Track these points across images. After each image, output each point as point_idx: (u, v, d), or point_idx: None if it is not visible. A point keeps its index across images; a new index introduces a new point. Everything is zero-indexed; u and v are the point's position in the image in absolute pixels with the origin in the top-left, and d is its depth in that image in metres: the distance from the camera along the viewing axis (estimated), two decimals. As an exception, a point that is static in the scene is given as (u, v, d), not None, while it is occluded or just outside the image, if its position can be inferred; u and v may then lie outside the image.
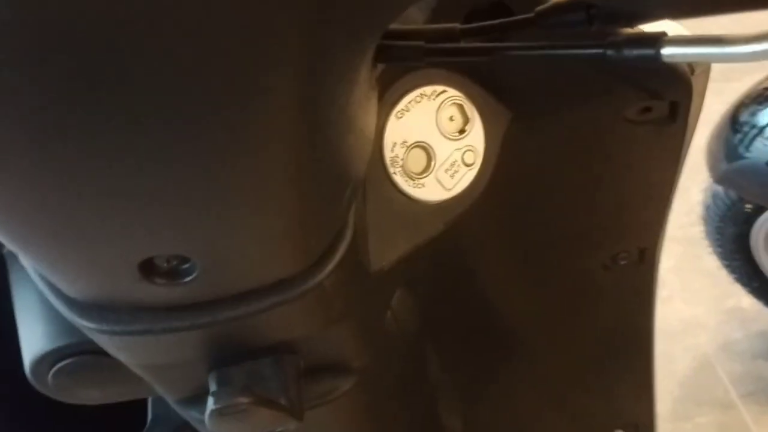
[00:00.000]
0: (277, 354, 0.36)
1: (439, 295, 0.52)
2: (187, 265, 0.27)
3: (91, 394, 0.41)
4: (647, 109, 0.43)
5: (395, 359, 0.50)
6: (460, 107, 0.40)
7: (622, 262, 0.53)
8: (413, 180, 0.39)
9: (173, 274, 0.27)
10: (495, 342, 0.57)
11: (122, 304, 0.29)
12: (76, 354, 0.39)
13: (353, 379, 0.42)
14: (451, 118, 0.40)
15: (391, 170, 0.38)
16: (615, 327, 0.59)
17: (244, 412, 0.33)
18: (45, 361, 0.39)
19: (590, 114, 0.44)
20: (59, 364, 0.39)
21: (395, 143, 0.38)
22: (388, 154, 0.38)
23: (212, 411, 0.33)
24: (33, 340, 0.39)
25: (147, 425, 0.50)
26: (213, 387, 0.34)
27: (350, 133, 0.28)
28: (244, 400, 0.33)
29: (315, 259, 0.31)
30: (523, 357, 0.59)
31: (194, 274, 0.27)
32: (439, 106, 0.39)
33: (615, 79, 0.42)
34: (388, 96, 0.38)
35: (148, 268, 0.26)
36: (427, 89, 0.39)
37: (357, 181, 0.32)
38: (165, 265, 0.27)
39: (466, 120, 0.40)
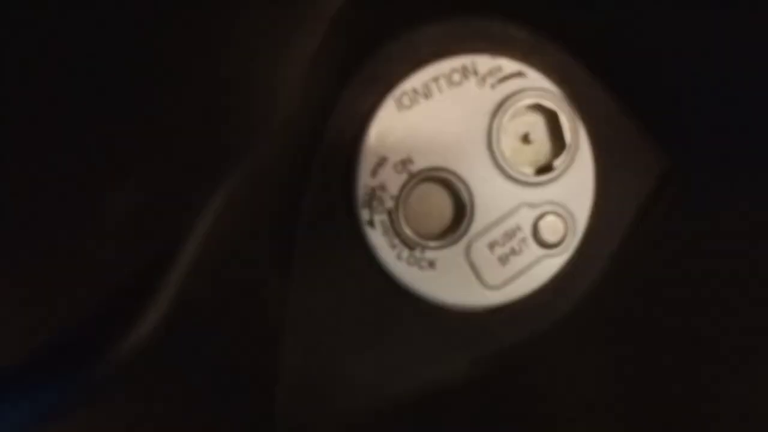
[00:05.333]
0: None
1: None
2: None
3: None
4: None
5: None
6: (551, 118, 0.18)
7: None
8: (412, 249, 0.18)
9: None
10: None
11: None
12: None
13: None
14: (525, 138, 0.18)
15: (365, 216, 0.18)
16: None
17: None
18: None
19: None
20: None
21: (385, 160, 0.18)
22: (364, 181, 0.18)
23: None
24: None
25: None
26: None
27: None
28: None
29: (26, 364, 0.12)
30: None
31: None
32: (502, 105, 0.18)
33: None
34: (385, 56, 0.18)
35: None
36: (481, 62, 0.18)
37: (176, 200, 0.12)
38: None
39: (561, 147, 0.18)
